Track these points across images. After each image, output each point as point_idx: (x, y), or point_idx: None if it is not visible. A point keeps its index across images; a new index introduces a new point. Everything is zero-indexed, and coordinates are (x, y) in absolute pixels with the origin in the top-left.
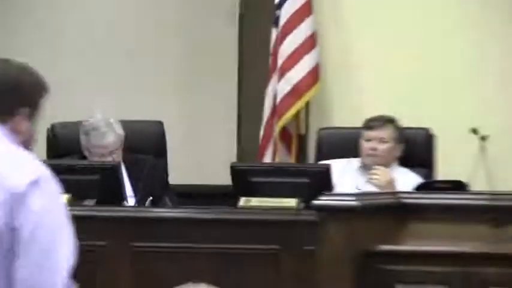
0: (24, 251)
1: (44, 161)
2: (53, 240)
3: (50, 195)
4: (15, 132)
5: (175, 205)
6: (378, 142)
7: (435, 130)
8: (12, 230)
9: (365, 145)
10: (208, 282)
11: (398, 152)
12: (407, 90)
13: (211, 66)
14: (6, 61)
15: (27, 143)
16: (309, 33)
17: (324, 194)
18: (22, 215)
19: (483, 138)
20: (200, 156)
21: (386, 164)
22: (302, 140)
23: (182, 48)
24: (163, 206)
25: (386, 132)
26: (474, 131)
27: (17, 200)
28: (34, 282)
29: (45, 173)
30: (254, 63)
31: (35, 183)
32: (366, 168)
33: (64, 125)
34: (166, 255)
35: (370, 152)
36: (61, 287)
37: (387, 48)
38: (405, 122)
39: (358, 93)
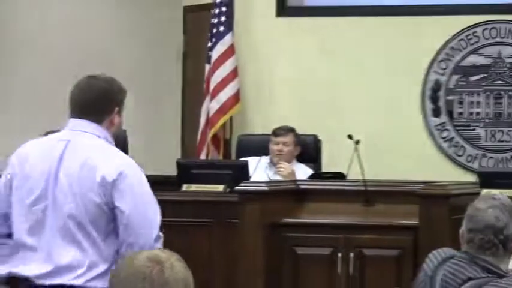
0: (127, 220)
1: None
2: (145, 209)
3: (135, 178)
4: (110, 127)
5: None
6: (282, 145)
7: (322, 136)
8: (112, 209)
9: (273, 147)
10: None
11: (296, 152)
12: (303, 106)
13: (163, 89)
14: (94, 77)
15: (117, 132)
16: (232, 67)
17: (243, 182)
18: (118, 196)
19: (357, 142)
20: (154, 154)
21: (289, 161)
22: (227, 143)
23: (140, 73)
24: None
25: (288, 138)
26: (350, 137)
27: (112, 186)
28: (138, 235)
29: (129, 162)
30: (193, 87)
31: (122, 172)
32: (273, 164)
33: None
34: None
35: (277, 152)
36: (156, 235)
37: (290, 76)
38: (301, 130)
39: (268, 110)
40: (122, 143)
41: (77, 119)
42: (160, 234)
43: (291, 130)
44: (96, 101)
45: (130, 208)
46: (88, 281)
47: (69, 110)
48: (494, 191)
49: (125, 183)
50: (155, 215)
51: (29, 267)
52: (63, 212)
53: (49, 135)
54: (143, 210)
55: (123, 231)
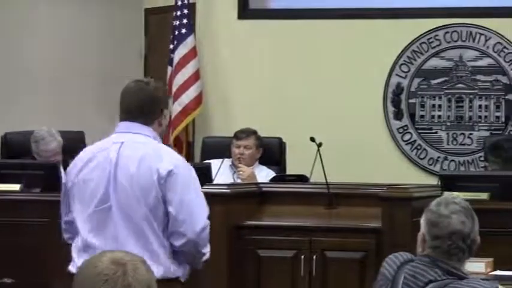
0: (178, 211)
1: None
2: (194, 206)
3: (188, 175)
4: (158, 128)
5: None
6: (244, 149)
7: (285, 139)
8: (165, 202)
9: (235, 151)
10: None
11: (258, 155)
12: (267, 109)
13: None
14: (143, 81)
15: (164, 133)
16: (194, 70)
17: (206, 184)
18: (171, 190)
19: (319, 144)
20: None
21: (251, 164)
22: (190, 145)
23: (101, 75)
24: None
25: (250, 141)
26: (312, 139)
27: (166, 181)
28: (182, 230)
29: (179, 159)
30: None
31: (174, 168)
32: (235, 166)
33: (15, 133)
34: None
35: (239, 156)
36: (201, 227)
37: (252, 79)
38: (265, 132)
39: (230, 112)
40: (80, 144)
41: (128, 122)
42: (206, 225)
43: (253, 133)
44: (146, 104)
45: (180, 201)
46: (160, 274)
47: (120, 113)
48: (456, 194)
49: (176, 179)
50: (201, 208)
51: None
52: (126, 210)
53: (105, 139)
54: (190, 204)
55: (173, 222)
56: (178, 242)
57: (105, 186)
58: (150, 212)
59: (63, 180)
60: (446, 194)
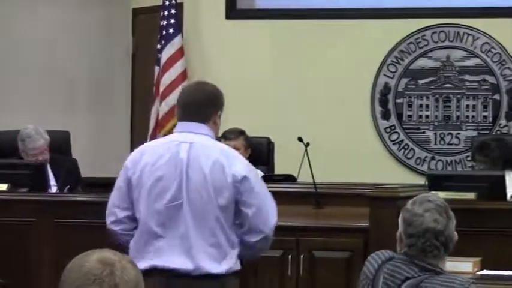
0: (255, 212)
1: None
2: (267, 206)
3: (257, 177)
4: (214, 126)
5: (86, 191)
6: (235, 150)
7: (273, 139)
8: (238, 203)
9: None
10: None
11: (247, 155)
12: (255, 109)
13: (112, 91)
14: (202, 82)
15: (217, 132)
16: (181, 70)
17: None
18: (246, 193)
19: (307, 144)
20: (103, 155)
21: None
22: None
23: (88, 75)
24: (77, 192)
25: (238, 142)
26: (300, 139)
27: (241, 184)
28: (260, 228)
29: (248, 163)
30: (143, 89)
31: (247, 172)
32: None
33: (2, 133)
34: (80, 229)
35: None
36: (272, 227)
37: (240, 79)
38: (253, 132)
39: None
40: (65, 144)
41: (188, 122)
42: (276, 222)
43: (241, 133)
44: (205, 104)
45: (256, 203)
46: (226, 268)
47: (180, 112)
48: (443, 194)
49: (250, 183)
50: (272, 206)
51: (171, 260)
52: (197, 208)
53: (164, 138)
54: (265, 204)
55: (251, 221)
56: (255, 238)
57: (178, 183)
58: (221, 211)
59: (124, 172)
60: (425, 193)
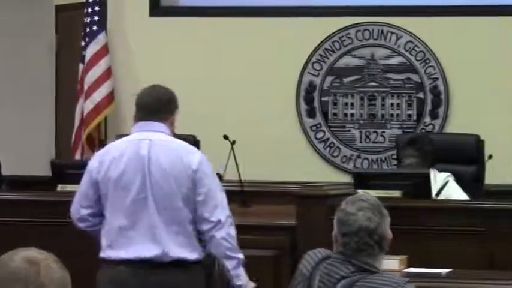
0: (204, 201)
1: None
2: (218, 193)
3: (208, 170)
4: (171, 125)
5: (9, 190)
6: None
7: (199, 137)
8: (194, 193)
9: None
10: (37, 247)
11: None
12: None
13: (35, 88)
14: (159, 86)
15: (174, 132)
16: (106, 67)
17: None
18: (197, 183)
19: (233, 142)
20: (27, 154)
21: None
22: (102, 143)
23: (11, 72)
24: (1, 191)
25: None
26: (226, 137)
27: (195, 174)
28: (213, 214)
29: (202, 155)
30: (67, 87)
31: (200, 163)
32: None
33: None
34: (4, 227)
35: None
36: (227, 213)
37: (164, 77)
38: (178, 130)
39: None
40: None
41: (147, 121)
42: (230, 214)
43: None
44: (163, 105)
45: (207, 190)
46: (195, 256)
47: (138, 113)
48: (369, 192)
49: (203, 172)
50: (220, 199)
51: (141, 250)
52: (161, 201)
53: (124, 138)
54: (211, 195)
55: (199, 209)
56: (205, 227)
57: (141, 179)
58: (184, 201)
59: (88, 172)
60: (360, 192)
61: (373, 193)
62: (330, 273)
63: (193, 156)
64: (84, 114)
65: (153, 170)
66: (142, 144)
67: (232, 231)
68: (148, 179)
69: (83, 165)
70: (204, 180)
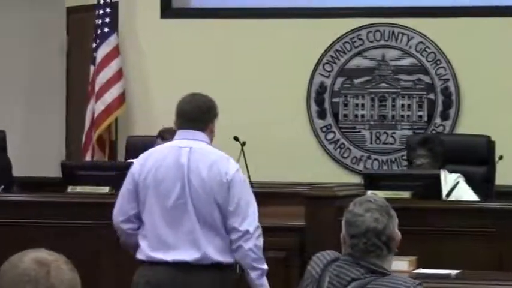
0: (235, 211)
1: None
2: (249, 204)
3: (242, 181)
4: (210, 134)
5: (20, 191)
6: None
7: None
8: (227, 202)
9: None
10: (46, 248)
11: None
12: None
13: (46, 90)
14: (200, 94)
15: (212, 140)
16: (117, 68)
17: None
18: (230, 193)
19: (243, 143)
20: (38, 155)
21: None
22: (113, 144)
23: (22, 74)
24: (12, 192)
25: None
26: (236, 138)
27: (229, 184)
28: (241, 225)
29: (236, 165)
30: (78, 88)
31: (235, 173)
32: None
33: None
34: (15, 228)
35: None
36: (256, 224)
37: (175, 78)
38: None
39: (153, 112)
40: (1, 143)
41: (188, 129)
42: (258, 224)
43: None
44: (202, 113)
45: (238, 200)
46: (229, 259)
47: (179, 121)
48: (379, 193)
49: (236, 182)
50: (251, 211)
51: (180, 253)
52: (199, 208)
53: (166, 144)
54: (246, 203)
55: (230, 218)
56: (234, 236)
57: (180, 186)
58: (219, 209)
59: (130, 176)
60: (368, 193)
61: (382, 194)
62: (340, 275)
63: (229, 166)
64: (95, 115)
65: (192, 177)
66: (183, 152)
67: (260, 243)
68: (187, 186)
69: (93, 166)
70: (236, 190)
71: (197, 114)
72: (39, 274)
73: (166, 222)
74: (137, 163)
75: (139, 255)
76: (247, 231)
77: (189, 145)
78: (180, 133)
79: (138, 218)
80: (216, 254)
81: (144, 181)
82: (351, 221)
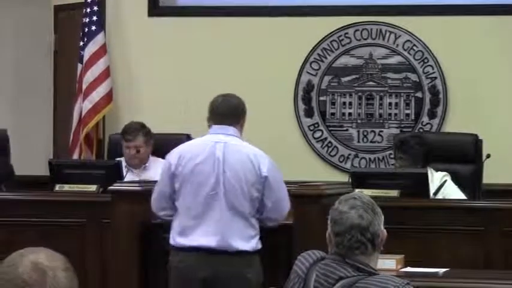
0: (272, 207)
1: None
2: (282, 200)
3: (277, 176)
4: (241, 129)
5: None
6: (135, 150)
7: (194, 136)
8: (262, 193)
9: (126, 151)
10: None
11: (150, 149)
12: (177, 107)
13: (35, 88)
14: (231, 95)
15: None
16: (104, 67)
17: (116, 181)
18: (267, 188)
19: None
20: (25, 153)
21: (145, 159)
22: (100, 143)
23: (9, 72)
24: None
25: (138, 141)
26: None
27: (265, 179)
28: (275, 217)
29: (271, 161)
30: (65, 87)
31: (271, 167)
32: (130, 166)
33: None
34: (2, 227)
35: (132, 157)
36: (284, 216)
37: (162, 77)
38: (174, 130)
39: (140, 110)
40: (5, 142)
41: (221, 125)
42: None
43: (139, 130)
44: (235, 111)
45: (274, 197)
46: (253, 247)
47: (213, 117)
48: (366, 191)
49: (271, 180)
50: (286, 201)
51: (209, 240)
52: (231, 199)
53: (202, 138)
54: (280, 199)
55: (269, 211)
56: (271, 224)
57: (215, 177)
58: (251, 201)
59: (168, 166)
60: (356, 192)
61: (370, 192)
62: (327, 274)
63: (263, 160)
64: (83, 113)
65: (226, 169)
66: (218, 146)
67: None
68: (221, 177)
69: (81, 165)
70: (273, 186)
71: (229, 111)
72: (35, 282)
73: (197, 211)
74: (175, 154)
75: (172, 241)
76: (279, 222)
77: (223, 139)
78: (213, 128)
79: (173, 206)
80: (241, 242)
81: (181, 172)
82: (336, 218)
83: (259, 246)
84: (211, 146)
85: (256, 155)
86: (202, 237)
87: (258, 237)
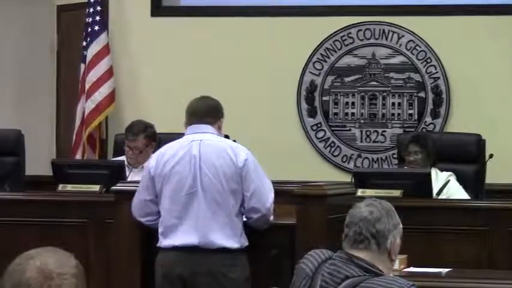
0: (253, 195)
1: None
2: (262, 189)
3: (255, 165)
4: (218, 130)
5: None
6: (136, 150)
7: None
8: (242, 188)
9: (128, 151)
10: (36, 247)
11: (152, 149)
12: (179, 107)
13: (37, 88)
14: (207, 96)
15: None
16: (107, 67)
17: (120, 181)
18: (245, 178)
19: (233, 141)
20: (28, 153)
21: (143, 160)
22: (103, 143)
23: (12, 72)
24: (4, 190)
25: (139, 142)
26: (226, 137)
27: (242, 170)
28: (256, 207)
29: (247, 151)
30: (68, 87)
31: (247, 159)
32: (131, 165)
33: None
34: (5, 226)
35: (132, 156)
36: (268, 207)
37: (165, 77)
38: (178, 130)
39: (143, 110)
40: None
41: (197, 124)
42: (272, 202)
43: (142, 131)
44: (211, 110)
45: (253, 187)
46: (238, 244)
47: (189, 118)
48: (369, 191)
49: (248, 169)
50: (268, 190)
51: (191, 238)
52: (211, 194)
53: (179, 140)
54: (260, 188)
55: (249, 202)
56: (254, 216)
57: (193, 175)
58: (232, 195)
59: (147, 171)
60: (359, 191)
61: (373, 192)
62: (333, 273)
63: (239, 151)
64: (85, 114)
65: (204, 166)
66: (194, 144)
67: (271, 217)
68: (199, 174)
69: (84, 165)
70: (251, 174)
71: (205, 112)
72: (39, 286)
73: (178, 211)
74: (153, 159)
75: (158, 243)
76: (264, 214)
77: (199, 138)
78: (190, 128)
79: (156, 211)
80: (223, 239)
81: (159, 174)
82: (351, 213)
83: (246, 243)
84: (188, 145)
85: (232, 147)
86: (184, 236)
87: (243, 234)
